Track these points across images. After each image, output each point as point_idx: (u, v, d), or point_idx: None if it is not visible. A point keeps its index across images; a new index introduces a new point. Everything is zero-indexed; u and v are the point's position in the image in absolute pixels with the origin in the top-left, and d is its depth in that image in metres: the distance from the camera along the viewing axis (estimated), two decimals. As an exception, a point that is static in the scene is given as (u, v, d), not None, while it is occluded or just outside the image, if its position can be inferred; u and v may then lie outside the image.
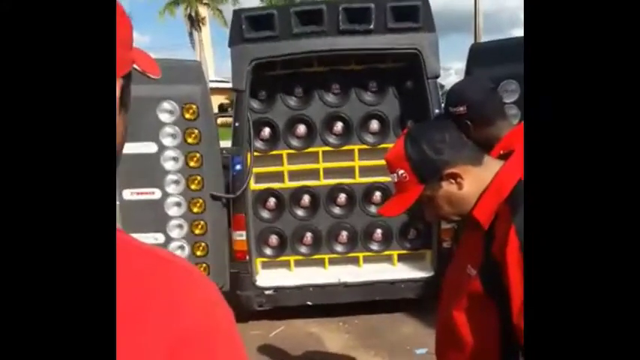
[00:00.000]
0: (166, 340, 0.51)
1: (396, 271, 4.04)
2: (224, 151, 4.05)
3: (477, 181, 1.21)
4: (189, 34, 25.40)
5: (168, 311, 0.52)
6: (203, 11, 25.34)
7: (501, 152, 1.46)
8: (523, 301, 1.06)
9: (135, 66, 0.63)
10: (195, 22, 24.97)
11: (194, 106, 3.50)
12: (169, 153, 3.52)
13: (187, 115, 3.51)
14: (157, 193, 3.53)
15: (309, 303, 3.88)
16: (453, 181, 1.21)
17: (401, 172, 1.23)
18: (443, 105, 3.63)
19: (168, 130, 3.50)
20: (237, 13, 3.76)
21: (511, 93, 3.37)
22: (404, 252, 4.10)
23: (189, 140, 3.53)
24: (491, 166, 1.23)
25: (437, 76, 3.80)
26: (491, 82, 2.17)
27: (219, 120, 4.88)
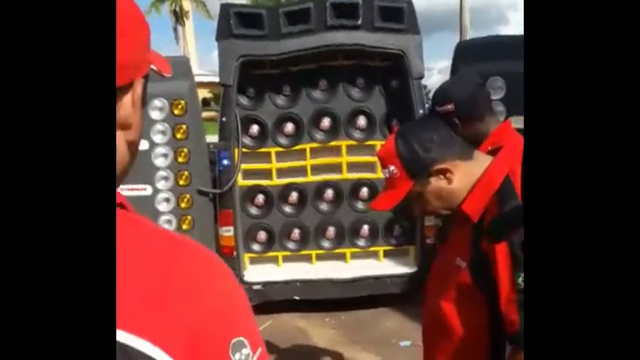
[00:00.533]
0: (188, 320, 0.55)
1: (382, 266, 4.10)
2: (210, 146, 4.06)
3: (467, 175, 1.26)
4: (173, 29, 25.39)
5: (189, 292, 0.56)
6: (187, 5, 25.30)
7: (490, 148, 1.51)
8: (511, 293, 1.12)
9: (152, 66, 0.66)
10: (179, 17, 24.95)
11: (182, 102, 3.52)
12: (160, 150, 3.54)
13: (176, 111, 3.53)
14: (148, 190, 3.55)
15: (296, 298, 3.92)
16: (442, 176, 1.26)
17: (392, 168, 1.28)
18: (427, 105, 3.68)
19: (158, 127, 3.53)
20: (225, 8, 3.77)
21: (497, 90, 3.45)
22: (389, 248, 4.17)
23: (178, 136, 3.56)
24: (481, 161, 1.28)
25: (421, 77, 3.90)
26: (480, 78, 2.22)
27: (202, 114, 4.89)
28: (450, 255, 1.33)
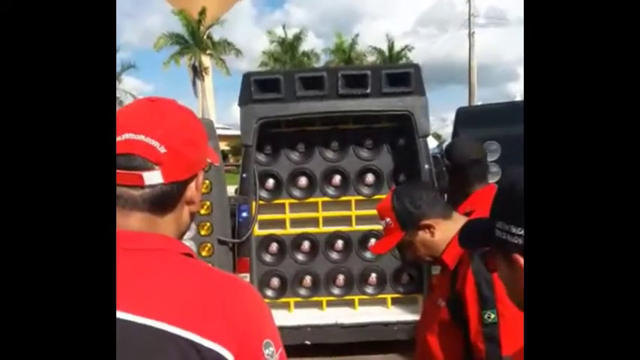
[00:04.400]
0: (238, 326, 0.77)
1: (390, 313, 4.30)
2: (231, 200, 4.40)
3: (446, 231, 1.55)
4: (192, 84, 26.21)
5: (238, 307, 0.79)
6: (206, 61, 26.27)
7: (466, 210, 1.84)
8: (479, 326, 1.40)
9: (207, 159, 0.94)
10: (199, 72, 25.84)
11: (205, 171, 3.85)
12: (183, 200, 3.86)
13: (201, 169, 3.87)
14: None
15: (307, 342, 4.13)
16: (427, 230, 1.56)
17: (388, 220, 1.60)
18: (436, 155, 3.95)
19: (185, 183, 3.85)
20: (246, 76, 4.17)
21: (493, 153, 3.79)
22: (397, 295, 4.39)
23: (202, 190, 3.86)
24: (458, 220, 1.58)
25: (427, 135, 4.19)
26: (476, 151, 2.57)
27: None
28: (434, 296, 1.63)
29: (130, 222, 0.83)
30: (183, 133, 0.86)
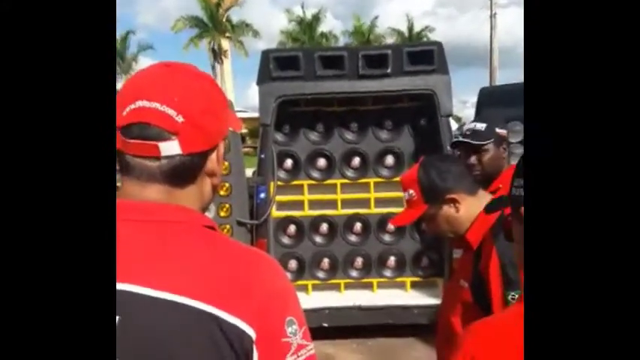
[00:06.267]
0: (258, 299, 0.74)
1: (409, 296, 4.26)
2: (249, 181, 4.37)
3: (470, 208, 1.50)
4: (211, 67, 26.15)
5: (259, 282, 0.77)
6: (225, 44, 26.21)
7: (494, 188, 1.78)
8: (502, 308, 1.34)
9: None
10: (218, 55, 25.77)
11: (226, 140, 3.83)
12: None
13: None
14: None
15: (325, 324, 4.12)
16: (452, 204, 1.51)
17: (411, 191, 1.54)
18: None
19: (204, 164, 3.84)
20: (265, 53, 4.11)
21: (517, 133, 3.67)
22: (416, 279, 4.34)
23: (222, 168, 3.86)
24: (483, 198, 1.53)
25: (449, 115, 4.10)
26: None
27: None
28: (456, 277, 1.58)
29: (146, 193, 0.79)
30: (201, 101, 0.81)
